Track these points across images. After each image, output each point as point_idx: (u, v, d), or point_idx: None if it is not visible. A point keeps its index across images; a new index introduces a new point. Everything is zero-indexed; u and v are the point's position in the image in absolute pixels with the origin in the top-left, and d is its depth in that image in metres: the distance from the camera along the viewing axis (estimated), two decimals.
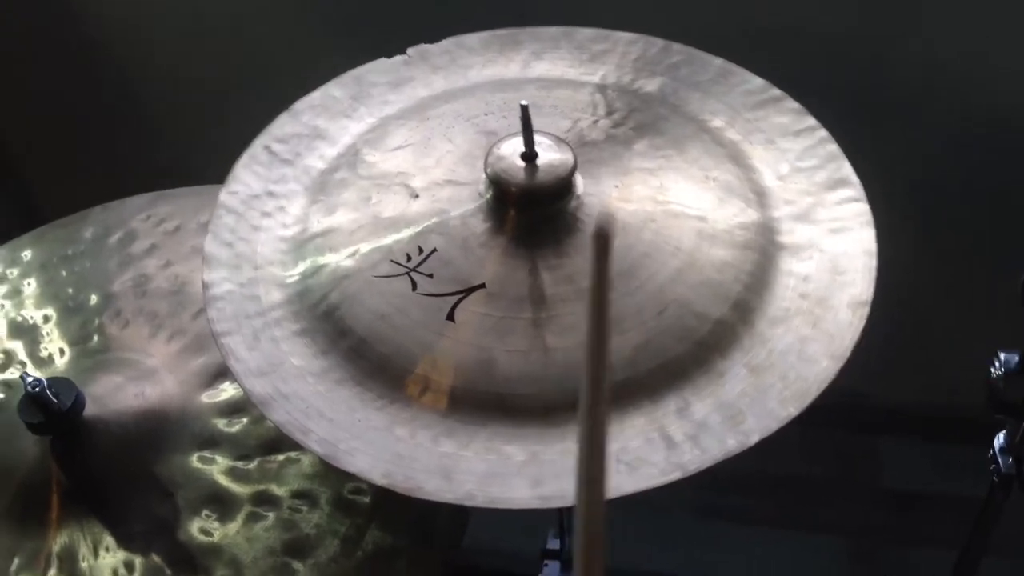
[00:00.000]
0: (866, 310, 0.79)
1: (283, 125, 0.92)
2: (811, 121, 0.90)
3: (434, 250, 0.80)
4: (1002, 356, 0.88)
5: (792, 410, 0.74)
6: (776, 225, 0.84)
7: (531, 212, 0.81)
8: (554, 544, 1.16)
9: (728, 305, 0.79)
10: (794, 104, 0.91)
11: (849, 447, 1.49)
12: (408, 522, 0.82)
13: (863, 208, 0.85)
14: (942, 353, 1.39)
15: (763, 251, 0.82)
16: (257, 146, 0.90)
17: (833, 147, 0.88)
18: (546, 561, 1.15)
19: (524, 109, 0.78)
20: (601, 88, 0.93)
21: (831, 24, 1.28)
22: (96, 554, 0.82)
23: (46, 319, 0.96)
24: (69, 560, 0.82)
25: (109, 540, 0.82)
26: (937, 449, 1.48)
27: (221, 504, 0.83)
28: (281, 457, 0.84)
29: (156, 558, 0.81)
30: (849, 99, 1.24)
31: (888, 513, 1.44)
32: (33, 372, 0.90)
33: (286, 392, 0.76)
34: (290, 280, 0.82)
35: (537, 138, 0.80)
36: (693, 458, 0.72)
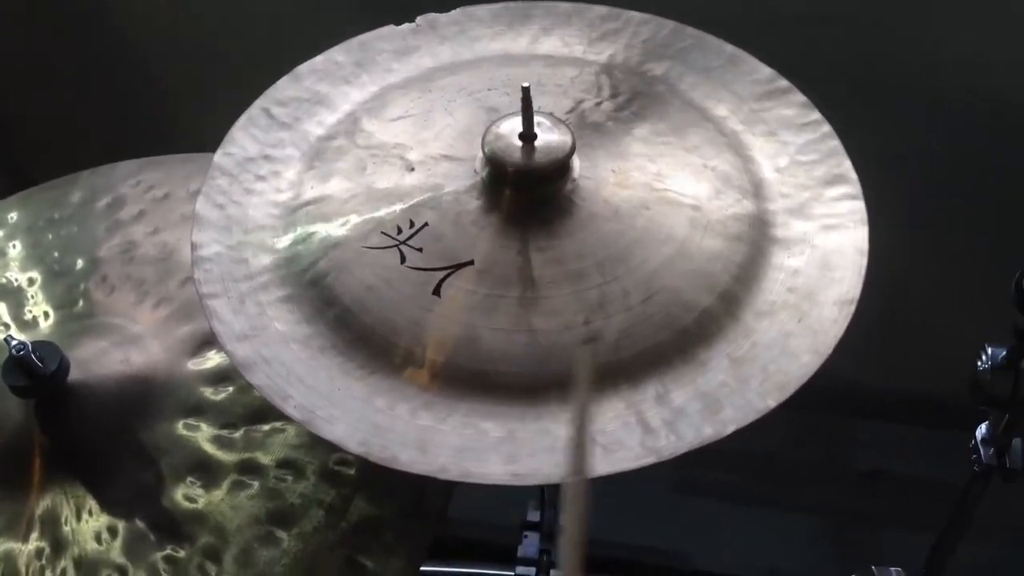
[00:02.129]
0: (852, 308, 0.79)
1: (284, 88, 0.92)
2: (816, 115, 0.90)
3: (425, 224, 0.80)
4: (989, 350, 0.88)
5: (771, 402, 0.74)
6: (770, 218, 0.84)
7: (526, 192, 0.81)
8: (534, 516, 1.17)
9: (715, 295, 0.79)
10: (800, 97, 0.91)
11: (830, 429, 1.50)
12: (394, 493, 0.83)
13: (859, 206, 0.85)
14: (926, 340, 1.39)
15: (755, 243, 0.82)
16: (256, 108, 0.90)
17: (835, 143, 0.88)
18: (526, 532, 1.16)
19: (525, 91, 0.78)
20: (607, 69, 0.92)
21: (839, 12, 1.27)
22: (79, 518, 0.82)
23: (31, 282, 0.96)
24: (51, 523, 0.82)
25: (92, 504, 0.82)
26: (916, 433, 1.49)
27: (206, 472, 0.83)
28: (267, 427, 0.84)
29: (140, 523, 0.81)
30: (850, 89, 1.24)
31: (866, 495, 1.45)
32: (17, 335, 0.89)
33: (268, 357, 0.76)
34: (279, 246, 0.83)
35: (537, 118, 0.80)
36: (668, 444, 0.72)
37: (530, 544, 1.15)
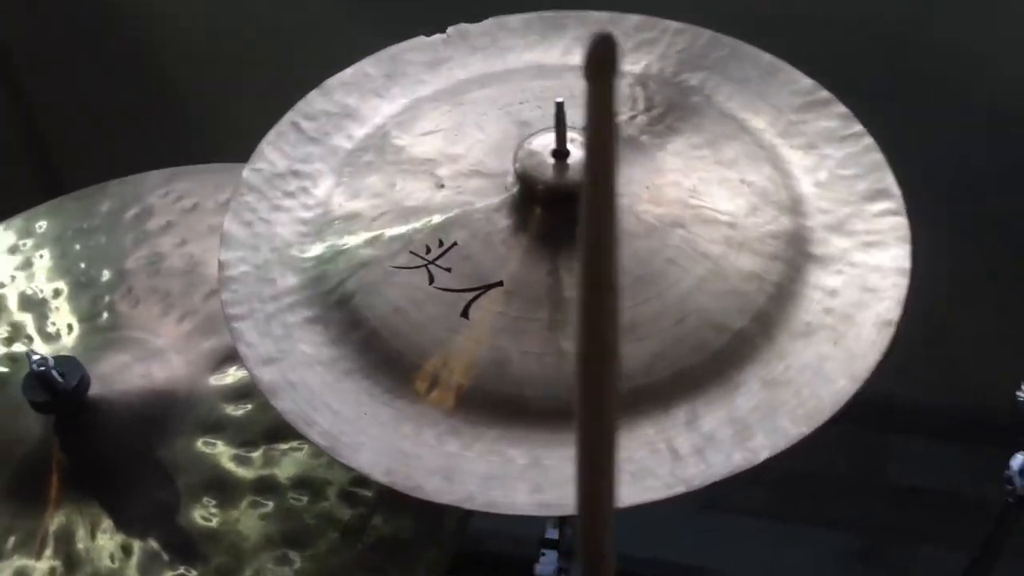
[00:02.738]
0: (892, 330, 0.77)
1: (313, 102, 0.91)
2: (857, 127, 0.87)
3: (455, 243, 0.79)
4: None
5: (804, 429, 0.73)
6: (808, 235, 0.82)
7: (557, 211, 0.79)
8: (552, 534, 1.15)
9: (749, 317, 0.77)
10: (841, 108, 0.89)
11: (863, 444, 1.47)
12: (413, 513, 0.82)
13: (901, 222, 0.82)
14: (964, 355, 1.37)
15: (792, 262, 0.80)
16: (285, 123, 0.89)
17: (878, 156, 0.86)
18: (544, 551, 1.15)
19: (559, 106, 0.77)
20: (642, 80, 0.90)
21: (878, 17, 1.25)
22: (93, 536, 0.82)
23: (56, 293, 0.96)
24: (66, 541, 0.82)
25: (107, 522, 0.82)
26: (951, 449, 1.46)
27: (222, 490, 0.83)
28: (285, 445, 0.84)
29: (154, 543, 0.81)
30: (891, 99, 1.21)
31: (899, 511, 1.42)
32: (40, 348, 0.90)
33: (294, 380, 0.75)
34: (306, 264, 0.82)
35: (570, 134, 0.79)
36: (698, 472, 0.71)
37: (548, 563, 1.13)
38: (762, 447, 0.72)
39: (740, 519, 1.39)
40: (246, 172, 0.86)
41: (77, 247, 0.99)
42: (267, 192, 0.86)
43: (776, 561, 1.39)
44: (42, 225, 1.02)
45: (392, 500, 0.80)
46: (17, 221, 1.03)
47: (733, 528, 1.39)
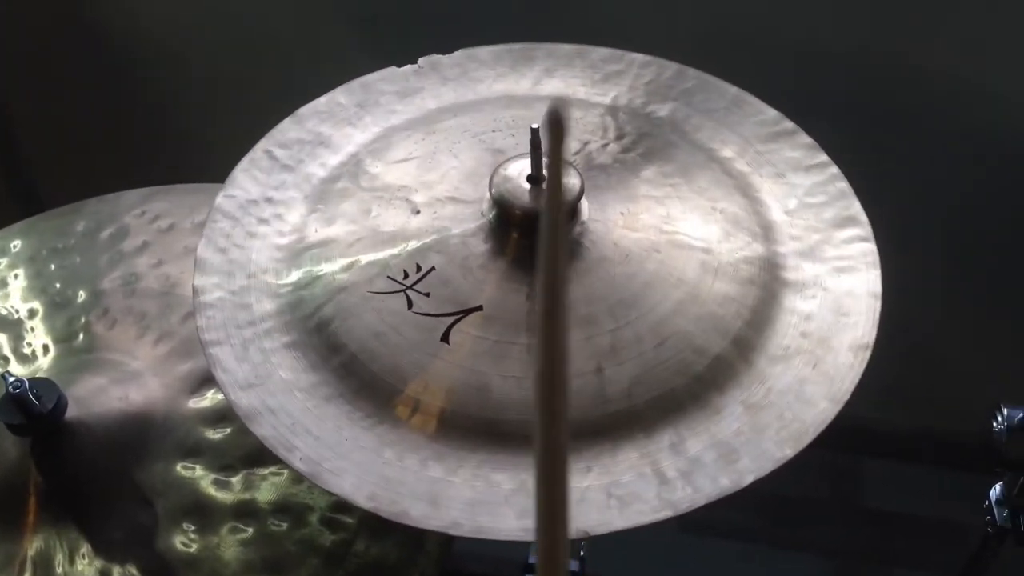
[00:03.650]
0: (867, 354, 0.77)
1: (286, 130, 0.90)
2: (823, 157, 0.89)
3: (432, 268, 0.78)
4: (1005, 411, 0.87)
5: (788, 451, 0.73)
6: (781, 261, 0.83)
7: (534, 235, 0.78)
8: (535, 560, 1.14)
9: (728, 340, 0.77)
10: (807, 139, 0.90)
11: (839, 467, 1.48)
12: (395, 538, 0.81)
13: (870, 248, 0.83)
14: (941, 380, 1.38)
15: (766, 287, 0.80)
16: (258, 150, 0.89)
17: (843, 184, 0.87)
18: (527, 575, 1.14)
19: (534, 132, 0.77)
20: (612, 110, 0.91)
21: (843, 44, 1.27)
22: (72, 561, 0.80)
23: (32, 313, 0.94)
24: (44, 566, 0.80)
25: (86, 547, 0.80)
26: (926, 473, 1.47)
27: (202, 515, 0.81)
28: (265, 471, 0.82)
29: (133, 568, 0.79)
30: (857, 123, 1.23)
31: (875, 535, 1.43)
32: (16, 370, 0.88)
33: (273, 406, 0.74)
34: (283, 290, 0.81)
35: (545, 160, 0.79)
36: (685, 496, 0.71)
37: None
38: (748, 470, 0.72)
39: (717, 541, 1.39)
40: (219, 199, 0.85)
41: (52, 267, 0.97)
42: (241, 218, 0.85)
43: None
44: (16, 244, 1.00)
45: (374, 525, 0.79)
46: None
47: (710, 550, 1.39)
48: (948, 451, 1.42)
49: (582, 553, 1.03)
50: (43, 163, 1.61)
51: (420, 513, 0.69)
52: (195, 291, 0.80)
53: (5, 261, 0.99)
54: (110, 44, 1.47)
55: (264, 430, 0.73)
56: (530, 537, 0.70)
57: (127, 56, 1.48)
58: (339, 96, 0.93)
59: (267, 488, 0.82)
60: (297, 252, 0.82)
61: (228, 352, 0.77)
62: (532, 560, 1.14)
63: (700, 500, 0.70)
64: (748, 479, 0.71)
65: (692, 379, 0.75)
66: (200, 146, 1.10)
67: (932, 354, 1.39)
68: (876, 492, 1.48)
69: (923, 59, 1.25)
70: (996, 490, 0.92)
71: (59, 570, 0.80)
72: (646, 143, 0.88)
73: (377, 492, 0.70)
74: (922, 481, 1.45)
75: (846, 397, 0.75)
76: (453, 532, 0.69)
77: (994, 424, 0.87)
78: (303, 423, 0.73)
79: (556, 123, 0.37)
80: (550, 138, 0.38)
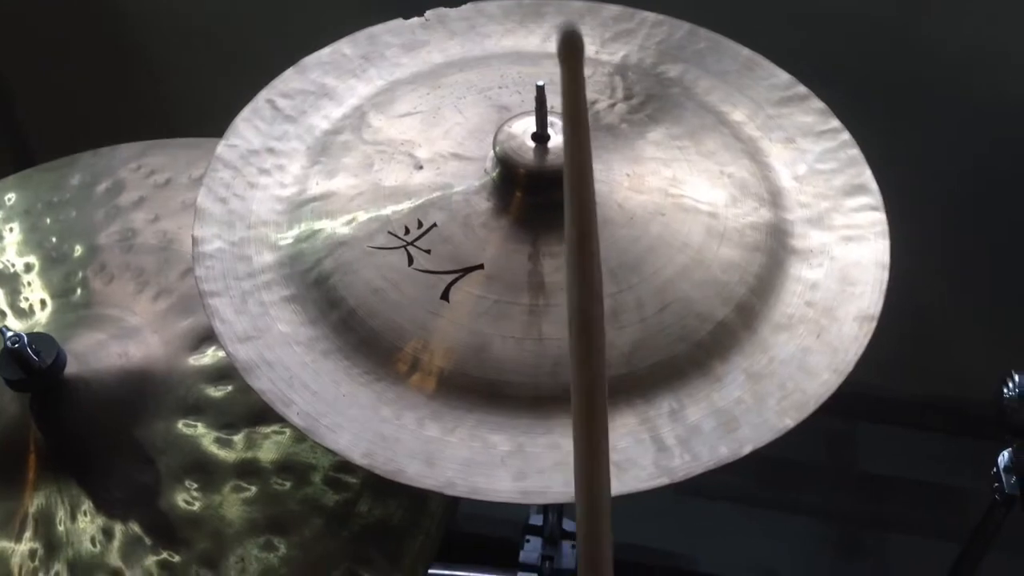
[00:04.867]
0: (873, 324, 0.77)
1: (289, 80, 0.89)
2: (835, 123, 0.87)
3: (434, 225, 0.77)
4: (1016, 377, 0.86)
5: (788, 421, 0.72)
6: (788, 228, 0.81)
7: (538, 195, 0.78)
8: (536, 520, 1.14)
9: (731, 307, 0.76)
10: (819, 103, 0.89)
11: (838, 433, 1.48)
12: (399, 499, 0.80)
13: (879, 217, 0.82)
14: (947, 346, 1.38)
15: (772, 254, 0.79)
16: (260, 100, 0.87)
17: (855, 151, 0.86)
18: (528, 537, 1.14)
19: (540, 90, 0.75)
20: (621, 69, 0.90)
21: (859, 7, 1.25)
22: (74, 517, 0.79)
23: (28, 267, 0.93)
24: (46, 522, 0.79)
25: (88, 504, 0.79)
26: (932, 440, 1.47)
27: (204, 474, 0.80)
28: (267, 429, 0.81)
29: (136, 526, 0.78)
30: (867, 91, 1.22)
31: (877, 501, 1.43)
32: (13, 324, 0.87)
33: (271, 359, 0.73)
34: (283, 243, 0.79)
35: (551, 118, 0.77)
36: (683, 464, 0.70)
37: (532, 549, 1.12)
38: (747, 439, 0.71)
39: (716, 506, 1.39)
40: (220, 148, 0.84)
41: (48, 220, 0.96)
42: (242, 169, 0.83)
43: (752, 548, 1.39)
44: (11, 197, 0.99)
45: (378, 486, 0.78)
46: None
47: (709, 514, 1.39)
48: (956, 418, 1.41)
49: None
50: (37, 117, 1.59)
51: (416, 472, 0.69)
52: (194, 241, 0.79)
53: (1, 214, 0.98)
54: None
55: (262, 383, 0.72)
56: (526, 500, 0.69)
57: (124, 7, 1.46)
58: (344, 47, 0.91)
59: (269, 447, 0.81)
60: (298, 205, 0.81)
61: (227, 304, 0.76)
62: (534, 521, 1.14)
63: (697, 468, 0.70)
64: (747, 448, 0.70)
65: (694, 346, 0.75)
66: (198, 100, 1.08)
67: (942, 321, 1.38)
68: (882, 459, 1.48)
69: (940, 28, 1.23)
70: (1004, 457, 0.92)
71: (60, 527, 0.79)
72: (655, 104, 0.87)
73: (373, 449, 0.69)
74: (929, 448, 1.44)
75: (849, 368, 0.74)
76: (448, 492, 0.68)
77: (1005, 391, 0.86)
78: (301, 377, 0.72)
79: (571, 44, 0.36)
80: (566, 63, 0.37)
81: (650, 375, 0.73)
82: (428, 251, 0.76)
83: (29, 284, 0.92)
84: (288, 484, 0.80)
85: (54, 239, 0.94)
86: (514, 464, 0.69)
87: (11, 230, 0.96)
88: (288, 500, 0.79)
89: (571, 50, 0.38)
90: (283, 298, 0.77)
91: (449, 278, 0.75)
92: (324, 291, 0.76)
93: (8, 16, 1.49)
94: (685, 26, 0.93)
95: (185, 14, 1.44)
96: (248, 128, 0.86)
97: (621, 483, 0.68)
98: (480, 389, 0.72)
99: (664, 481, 0.69)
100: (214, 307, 0.76)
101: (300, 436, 0.80)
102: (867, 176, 0.84)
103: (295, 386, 0.72)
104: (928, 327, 1.33)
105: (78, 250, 0.93)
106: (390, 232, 0.77)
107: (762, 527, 1.43)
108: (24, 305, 0.91)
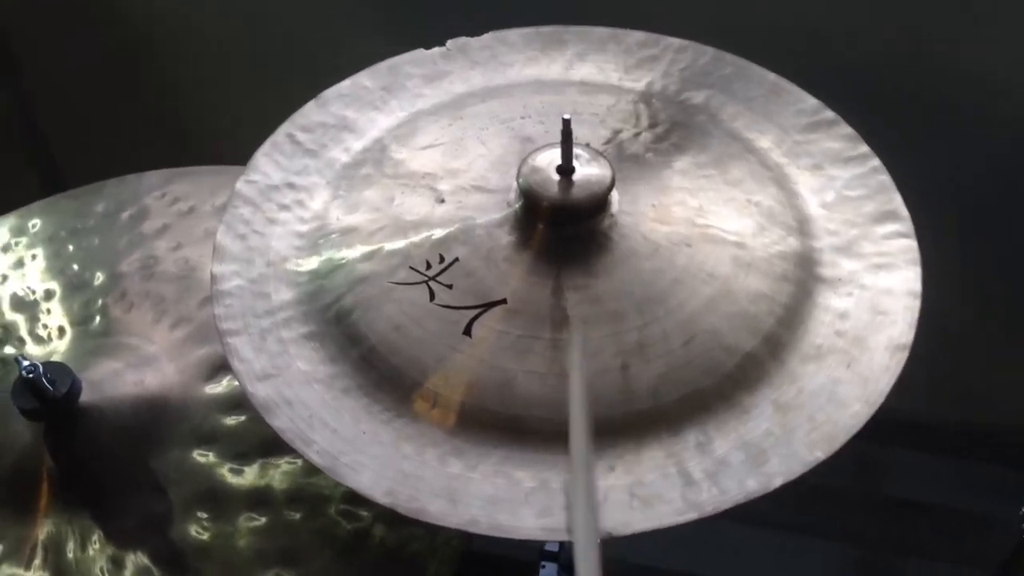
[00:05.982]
0: (905, 354, 0.75)
1: (309, 113, 0.88)
2: (864, 148, 0.86)
3: (456, 259, 0.76)
4: None
5: (819, 454, 0.70)
6: (817, 256, 0.80)
7: (561, 228, 0.77)
8: (552, 546, 1.13)
9: (759, 339, 0.75)
10: (847, 129, 0.87)
11: (862, 456, 1.46)
12: (413, 528, 0.80)
13: (911, 244, 0.80)
14: (973, 371, 1.35)
15: (801, 283, 0.78)
16: (280, 134, 0.87)
17: (884, 178, 0.84)
18: (544, 563, 1.13)
19: (566, 123, 0.74)
20: (645, 97, 0.89)
21: (883, 33, 1.23)
22: (84, 547, 0.79)
23: (49, 295, 0.93)
24: (55, 551, 0.79)
25: (98, 534, 0.79)
26: (958, 465, 1.45)
27: (216, 503, 0.80)
28: (280, 460, 0.81)
29: (145, 556, 0.78)
30: (893, 117, 1.20)
31: (904, 526, 1.41)
32: (31, 352, 0.88)
33: (290, 398, 0.72)
34: (302, 279, 0.79)
35: (575, 150, 0.76)
36: (711, 498, 0.69)
37: (548, 574, 1.11)
38: (776, 473, 0.69)
39: (744, 529, 1.37)
40: (240, 184, 0.83)
41: (71, 248, 0.96)
42: (261, 204, 0.83)
43: (780, 572, 1.37)
44: (36, 224, 1.00)
45: (392, 515, 0.77)
46: (10, 219, 1.01)
47: (737, 537, 1.37)
48: (988, 445, 1.39)
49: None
50: (64, 143, 1.60)
51: (438, 510, 0.68)
52: (213, 278, 0.78)
53: (24, 240, 0.98)
54: (133, 24, 1.47)
55: (281, 422, 0.71)
56: (551, 537, 0.68)
57: (149, 35, 1.47)
58: (364, 79, 0.91)
59: (282, 477, 0.81)
60: (317, 240, 0.81)
61: (245, 342, 0.75)
62: (550, 547, 1.13)
63: (726, 503, 0.68)
64: (777, 482, 0.69)
65: (721, 378, 0.73)
66: (222, 128, 1.09)
67: (972, 347, 1.36)
68: (911, 484, 1.45)
69: (966, 53, 1.21)
70: None
71: (70, 556, 0.79)
72: (680, 132, 0.86)
73: (395, 488, 0.68)
74: (959, 474, 1.42)
75: (881, 399, 0.73)
76: (471, 530, 0.67)
77: None
78: (320, 416, 0.72)
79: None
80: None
81: (677, 408, 0.72)
82: (450, 286, 0.75)
83: (49, 311, 0.92)
84: (300, 514, 0.79)
85: (76, 266, 0.95)
86: (537, 500, 0.68)
87: (34, 257, 0.97)
88: (300, 530, 0.79)
89: None
90: (302, 335, 0.76)
91: (471, 313, 0.74)
92: (344, 328, 0.76)
93: (41, 43, 1.50)
94: (709, 51, 0.92)
95: (214, 40, 1.45)
96: (268, 163, 0.85)
97: (648, 518, 0.67)
98: (503, 425, 0.71)
99: (692, 516, 0.68)
100: (233, 346, 0.75)
101: (314, 467, 0.79)
102: (897, 202, 0.83)
103: (315, 424, 0.71)
104: (958, 352, 1.31)
105: (99, 277, 0.93)
106: (411, 267, 0.77)
107: (789, 551, 1.41)
108: (43, 333, 0.91)
